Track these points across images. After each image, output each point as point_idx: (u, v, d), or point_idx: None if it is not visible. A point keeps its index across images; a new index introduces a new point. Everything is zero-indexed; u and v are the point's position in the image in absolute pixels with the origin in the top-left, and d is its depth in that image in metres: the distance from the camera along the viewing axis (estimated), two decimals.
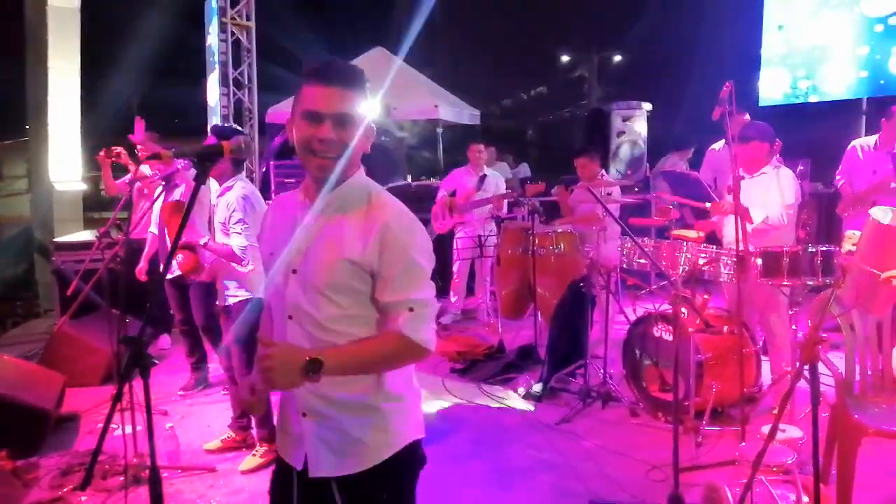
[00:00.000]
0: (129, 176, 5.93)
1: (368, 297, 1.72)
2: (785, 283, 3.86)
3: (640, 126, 7.58)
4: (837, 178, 5.82)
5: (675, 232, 4.33)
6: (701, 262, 4.03)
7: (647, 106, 7.71)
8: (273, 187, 8.65)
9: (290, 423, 1.82)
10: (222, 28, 7.32)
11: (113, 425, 4.21)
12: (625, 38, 12.39)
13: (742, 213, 3.95)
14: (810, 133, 7.47)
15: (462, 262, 6.62)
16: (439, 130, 8.72)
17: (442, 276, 7.11)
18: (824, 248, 3.73)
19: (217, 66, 7.39)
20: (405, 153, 7.95)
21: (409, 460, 1.81)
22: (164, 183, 4.36)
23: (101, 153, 5.50)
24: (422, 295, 1.70)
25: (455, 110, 9.12)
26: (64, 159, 7.73)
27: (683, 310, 4.32)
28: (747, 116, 6.12)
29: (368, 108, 1.78)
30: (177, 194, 4.59)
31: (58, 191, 7.71)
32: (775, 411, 4.09)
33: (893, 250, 2.51)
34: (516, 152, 11.31)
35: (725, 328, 3.91)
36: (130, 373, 1.69)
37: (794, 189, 4.14)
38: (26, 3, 7.69)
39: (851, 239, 2.76)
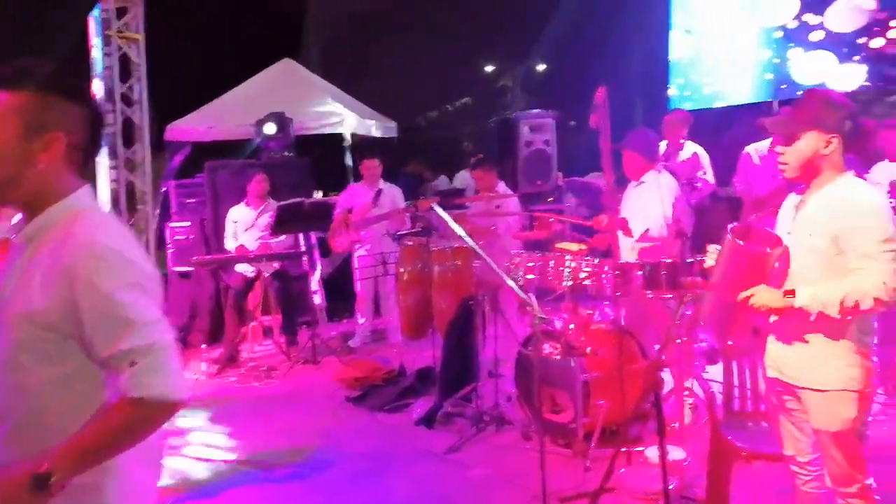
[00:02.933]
0: None
1: (71, 361, 1.40)
2: (667, 296, 3.68)
3: (548, 135, 7.44)
4: (735, 184, 5.76)
5: (558, 245, 4.14)
6: (582, 275, 3.83)
7: (553, 115, 7.58)
8: (174, 209, 8.22)
9: None
10: (106, 41, 6.89)
11: None
12: (545, 47, 12.37)
13: (621, 227, 3.79)
14: (721, 136, 7.44)
15: (364, 282, 6.33)
16: (345, 144, 8.44)
17: (347, 297, 6.82)
18: (701, 258, 3.57)
19: (101, 80, 6.96)
20: (310, 168, 7.61)
21: None
22: None
23: None
24: (140, 341, 1.38)
25: (365, 123, 8.85)
26: None
27: (571, 325, 4.14)
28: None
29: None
30: None
31: None
32: (673, 425, 3.94)
33: (751, 273, 2.31)
34: (444, 164, 11.10)
35: (588, 349, 3.72)
36: None
37: (672, 197, 3.97)
38: None
39: (713, 255, 2.56)
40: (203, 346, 6.77)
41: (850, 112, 2.29)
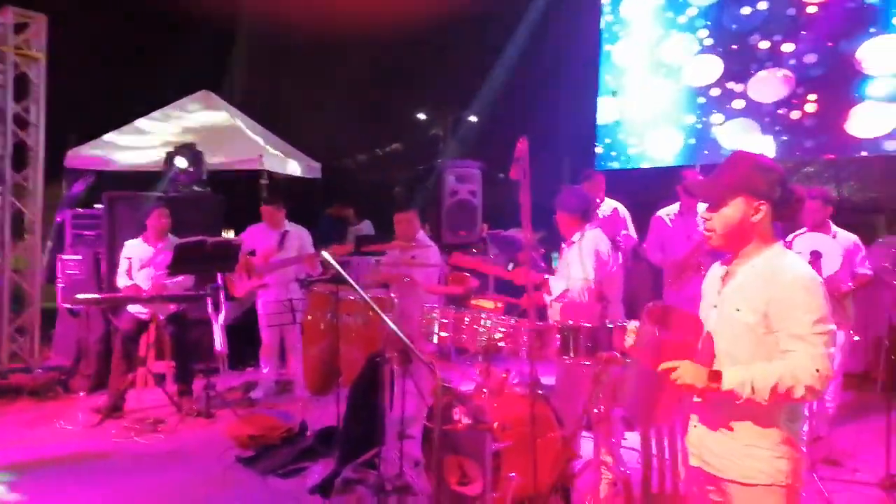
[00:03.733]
0: None
1: None
2: (585, 362, 3.43)
3: (474, 185, 7.28)
4: (644, 248, 5.72)
5: (474, 301, 3.87)
6: (497, 335, 3.55)
7: (479, 165, 7.43)
8: (69, 240, 7.58)
9: None
10: (1, 58, 6.32)
11: None
12: (479, 100, 12.40)
13: (540, 284, 3.56)
14: (646, 196, 7.44)
15: (269, 330, 5.87)
16: (263, 182, 8.04)
17: (253, 344, 6.34)
18: (624, 324, 3.36)
19: None
20: (223, 206, 7.15)
21: None
22: None
23: None
24: None
25: (286, 161, 8.47)
26: None
27: (484, 390, 3.84)
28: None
29: None
30: None
31: None
32: (587, 499, 3.65)
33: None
34: (372, 209, 10.78)
35: (496, 424, 3.42)
36: None
37: (593, 259, 3.78)
38: None
39: (632, 333, 2.34)
40: (82, 393, 6.12)
41: (781, 177, 2.11)
